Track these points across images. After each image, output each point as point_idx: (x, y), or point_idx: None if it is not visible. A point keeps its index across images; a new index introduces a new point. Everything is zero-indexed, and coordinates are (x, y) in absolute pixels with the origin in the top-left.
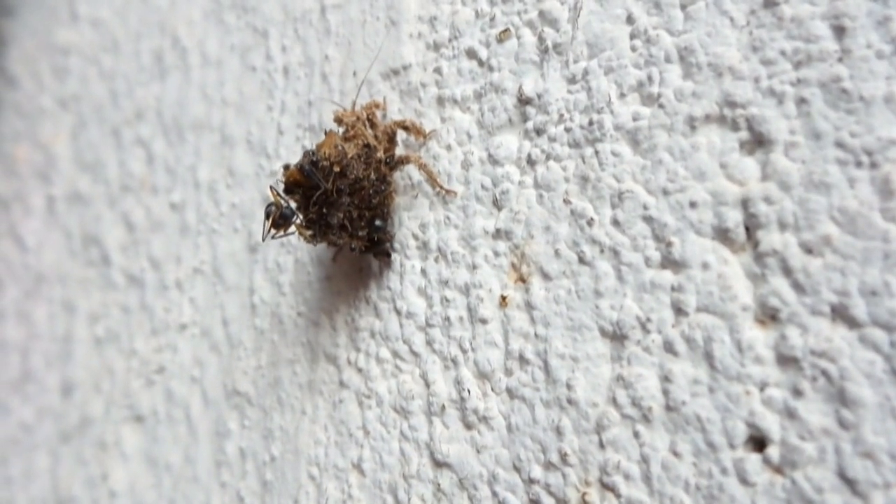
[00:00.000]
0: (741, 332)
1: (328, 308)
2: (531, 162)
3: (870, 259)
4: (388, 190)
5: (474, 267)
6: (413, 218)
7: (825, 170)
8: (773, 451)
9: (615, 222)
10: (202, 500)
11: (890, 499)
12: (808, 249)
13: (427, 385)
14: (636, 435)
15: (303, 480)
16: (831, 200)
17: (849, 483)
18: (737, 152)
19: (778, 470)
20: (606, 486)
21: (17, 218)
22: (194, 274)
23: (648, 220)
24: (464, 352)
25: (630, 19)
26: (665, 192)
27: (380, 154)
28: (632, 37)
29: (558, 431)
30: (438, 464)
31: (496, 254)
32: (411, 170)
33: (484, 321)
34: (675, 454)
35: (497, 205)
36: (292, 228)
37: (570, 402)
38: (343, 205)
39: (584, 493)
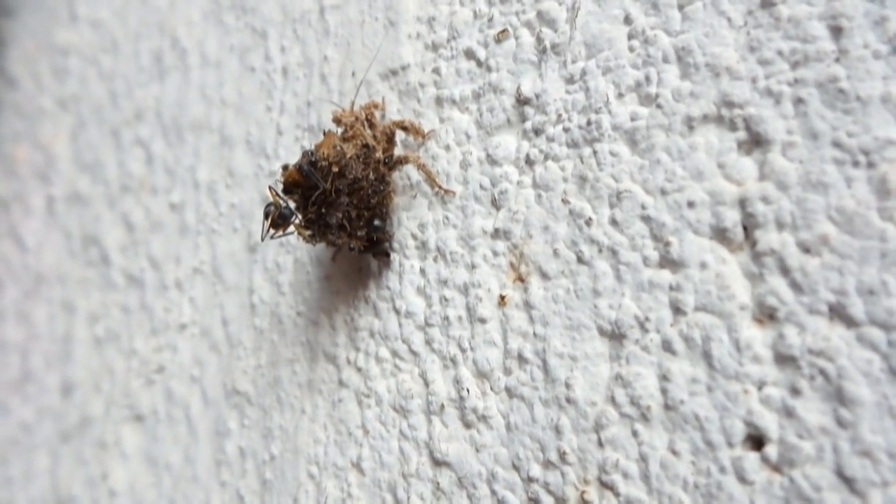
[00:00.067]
0: (739, 332)
1: (327, 307)
2: (529, 162)
3: (867, 258)
4: (387, 190)
5: (473, 266)
6: (412, 218)
7: (822, 169)
8: (772, 450)
9: (613, 222)
10: (202, 499)
11: (888, 497)
12: (805, 249)
13: (426, 384)
14: (635, 434)
15: (302, 479)
16: (829, 200)
17: (847, 481)
18: (734, 152)
19: (776, 468)
20: (605, 485)
21: (17, 218)
22: (194, 274)
23: (646, 219)
24: (463, 351)
25: (628, 20)
26: (663, 192)
27: (378, 154)
28: (630, 37)
29: (557, 430)
30: (438, 462)
31: (495, 253)
32: (410, 170)
33: (483, 320)
34: (674, 453)
35: (496, 205)
36: (291, 228)
37: (568, 401)
38: (342, 205)
39: (582, 492)
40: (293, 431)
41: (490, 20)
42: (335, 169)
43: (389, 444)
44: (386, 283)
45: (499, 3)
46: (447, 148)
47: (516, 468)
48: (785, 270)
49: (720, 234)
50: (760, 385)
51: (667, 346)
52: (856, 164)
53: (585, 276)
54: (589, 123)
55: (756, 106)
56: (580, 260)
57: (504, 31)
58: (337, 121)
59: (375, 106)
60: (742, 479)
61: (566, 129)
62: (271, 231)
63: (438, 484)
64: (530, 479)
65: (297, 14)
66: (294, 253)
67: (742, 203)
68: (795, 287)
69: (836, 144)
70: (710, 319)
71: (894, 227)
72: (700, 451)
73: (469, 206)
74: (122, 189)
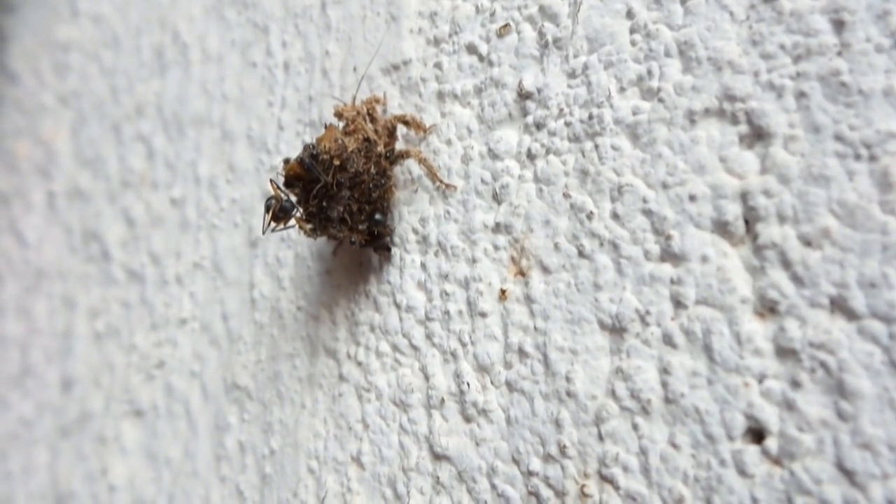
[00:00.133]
0: (740, 325)
1: (328, 302)
2: (531, 156)
3: (868, 251)
4: (388, 184)
5: (474, 261)
6: (413, 212)
7: (824, 163)
8: (772, 443)
9: (615, 216)
10: (202, 494)
11: (888, 489)
12: (806, 242)
13: (426, 378)
14: (635, 427)
15: (302, 474)
16: (830, 193)
17: (847, 474)
18: (736, 146)
19: (776, 461)
20: (605, 478)
21: (18, 214)
22: (194, 269)
23: (648, 213)
24: (463, 345)
25: (630, 14)
26: (664, 186)
27: (380, 148)
28: (632, 31)
29: (557, 424)
30: (437, 457)
31: (496, 247)
32: (411, 164)
33: (483, 315)
34: (674, 446)
35: (497, 199)
36: (292, 222)
37: (569, 394)
38: (343, 198)
39: (582, 486)
40: (293, 426)
41: (492, 15)
42: (336, 162)
43: (389, 439)
44: (387, 278)
45: None
46: (448, 142)
47: (516, 462)
48: (786, 264)
49: (721, 228)
50: (761, 378)
51: (667, 340)
52: (857, 157)
53: (586, 269)
54: (591, 118)
55: (758, 99)
56: (581, 254)
57: (506, 25)
58: (338, 115)
59: (377, 100)
60: (742, 472)
61: (568, 124)
62: (272, 224)
63: (438, 478)
64: (530, 473)
65: (298, 9)
66: (295, 247)
67: (743, 196)
68: (797, 280)
69: (838, 138)
70: (711, 313)
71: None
72: (700, 444)
73: (470, 201)
74: (123, 184)
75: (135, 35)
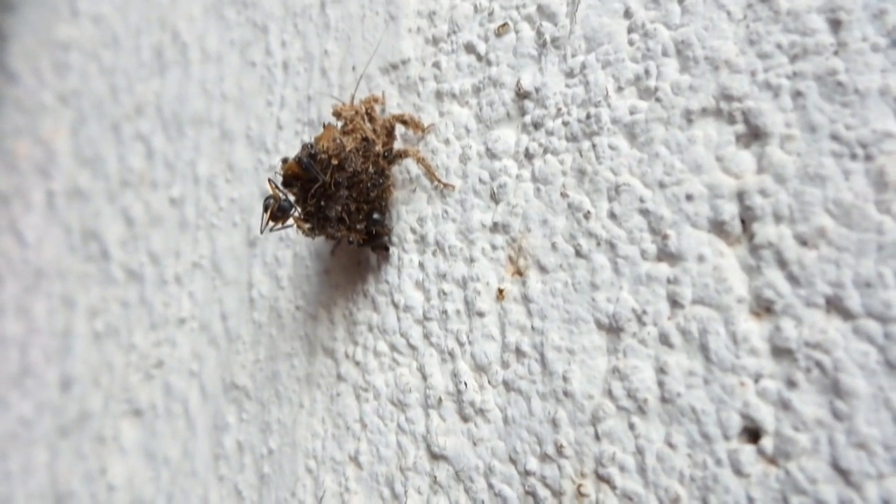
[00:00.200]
0: (736, 324)
1: (326, 302)
2: (529, 156)
3: (864, 251)
4: (387, 183)
5: (472, 260)
6: (411, 211)
7: (820, 162)
8: (768, 442)
9: (612, 215)
10: (200, 493)
11: (883, 489)
12: (802, 241)
13: (424, 378)
14: (631, 427)
15: (300, 473)
16: (826, 193)
17: (842, 473)
18: (733, 145)
19: (772, 461)
20: (602, 478)
21: (17, 213)
22: (193, 268)
23: (645, 212)
24: (461, 345)
25: (628, 13)
26: (661, 185)
27: (378, 148)
28: (629, 31)
29: (554, 423)
30: (435, 456)
31: (493, 247)
32: (409, 164)
33: (481, 314)
34: (670, 446)
35: (495, 198)
36: (290, 221)
37: (566, 394)
38: (341, 198)
39: (579, 485)
40: (291, 425)
41: (490, 14)
42: (335, 162)
43: (387, 438)
44: (385, 277)
45: None
46: (447, 142)
47: (513, 461)
48: (782, 263)
49: (718, 227)
50: (757, 378)
51: (664, 339)
52: (854, 156)
53: (583, 269)
54: (588, 117)
55: (755, 99)
56: (578, 253)
57: (504, 25)
58: (337, 114)
59: (375, 100)
60: (738, 471)
61: (565, 123)
62: (270, 224)
63: (436, 477)
64: (527, 473)
65: (297, 8)
66: (293, 247)
67: (740, 196)
68: (792, 280)
69: (835, 137)
70: (708, 312)
71: (891, 220)
72: (696, 443)
73: (468, 200)
74: (122, 184)
75: (134, 35)
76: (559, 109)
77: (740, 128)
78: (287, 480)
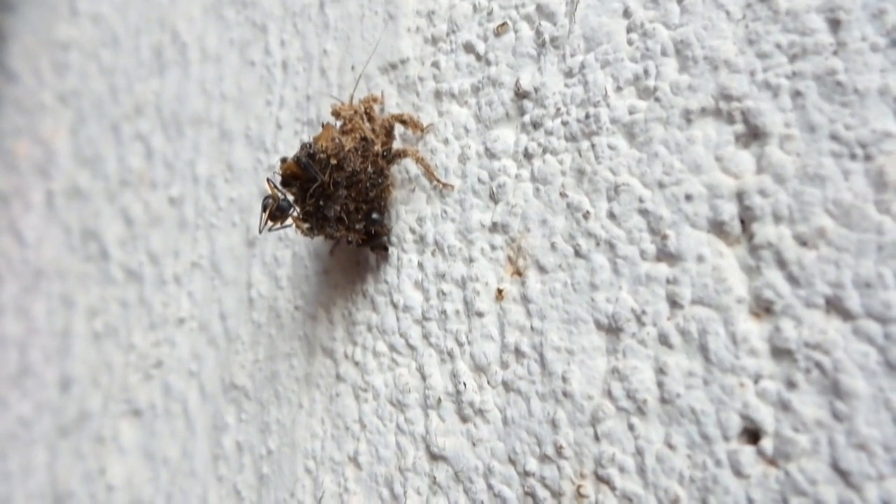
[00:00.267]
0: (736, 325)
1: (325, 302)
2: (528, 155)
3: (864, 251)
4: (386, 183)
5: (471, 260)
6: (410, 211)
7: (820, 162)
8: (767, 443)
9: (611, 215)
10: (199, 493)
11: (883, 490)
12: (802, 242)
13: (423, 378)
14: (631, 427)
15: (299, 474)
16: (826, 193)
17: (842, 475)
18: (732, 145)
19: (772, 462)
20: (601, 479)
21: (17, 213)
22: (192, 268)
23: (644, 213)
24: (460, 345)
25: (627, 13)
26: (661, 185)
27: (377, 147)
28: (628, 30)
29: (554, 424)
30: (434, 457)
31: (493, 247)
32: (408, 163)
33: (480, 314)
34: (670, 446)
35: (494, 198)
36: (289, 221)
37: (565, 394)
38: (340, 198)
39: (579, 486)
40: (290, 426)
41: (489, 14)
42: (333, 161)
43: (386, 439)
44: (384, 277)
45: None
46: (446, 141)
47: (513, 462)
48: (782, 263)
49: (717, 228)
50: (757, 378)
51: (663, 340)
52: (853, 156)
53: (583, 269)
54: (587, 117)
55: (754, 99)
56: (577, 253)
57: (503, 24)
58: (336, 114)
59: (374, 99)
60: (738, 472)
61: (564, 123)
62: (269, 224)
63: (435, 478)
64: (527, 474)
65: (296, 8)
66: (292, 247)
67: (739, 196)
68: (792, 280)
69: (834, 137)
70: (707, 313)
71: (891, 220)
72: (696, 444)
73: (467, 200)
74: (122, 184)
75: (134, 34)
76: (558, 109)
77: (739, 128)
78: (286, 481)
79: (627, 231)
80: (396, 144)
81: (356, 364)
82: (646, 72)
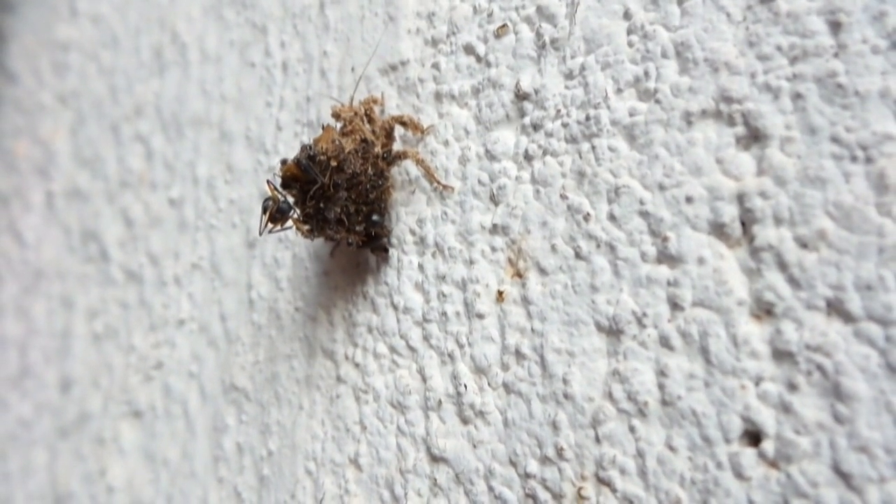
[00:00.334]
0: (737, 327)
1: (326, 303)
2: (528, 157)
3: (865, 253)
4: (386, 185)
5: (471, 262)
6: (410, 213)
7: (820, 165)
8: (769, 446)
9: (611, 217)
10: (199, 495)
11: (885, 492)
12: (803, 244)
13: (424, 380)
14: (632, 429)
15: (300, 475)
16: (826, 195)
17: (843, 477)
18: (733, 147)
19: (773, 464)
20: (602, 481)
21: (17, 214)
22: (192, 270)
23: (644, 215)
24: (460, 347)
25: (627, 15)
26: (661, 188)
27: (377, 149)
28: (629, 32)
29: (554, 426)
30: (435, 458)
31: (493, 249)
32: (409, 165)
33: (481, 316)
34: (671, 448)
35: (494, 200)
36: (289, 223)
37: (566, 396)
38: (340, 199)
39: (579, 488)
40: (291, 427)
41: (489, 15)
42: (333, 163)
43: (387, 440)
44: (384, 279)
45: None
46: (446, 143)
47: (513, 464)
48: (782, 266)
49: (718, 230)
50: (758, 380)
51: (664, 342)
52: (854, 159)
53: (583, 271)
54: (588, 119)
55: (755, 101)
56: (578, 255)
57: (503, 26)
58: (336, 115)
59: (374, 101)
60: (739, 474)
61: (565, 125)
62: (269, 226)
63: (436, 480)
64: (527, 475)
65: (297, 9)
66: (292, 248)
67: (740, 198)
68: (793, 282)
69: (835, 139)
70: (708, 315)
71: (892, 223)
72: (697, 446)
73: (467, 202)
74: (122, 184)
75: (134, 35)
76: (558, 111)
77: (740, 130)
78: (287, 482)
79: (628, 233)
80: (397, 146)
81: (357, 366)
82: (646, 74)
